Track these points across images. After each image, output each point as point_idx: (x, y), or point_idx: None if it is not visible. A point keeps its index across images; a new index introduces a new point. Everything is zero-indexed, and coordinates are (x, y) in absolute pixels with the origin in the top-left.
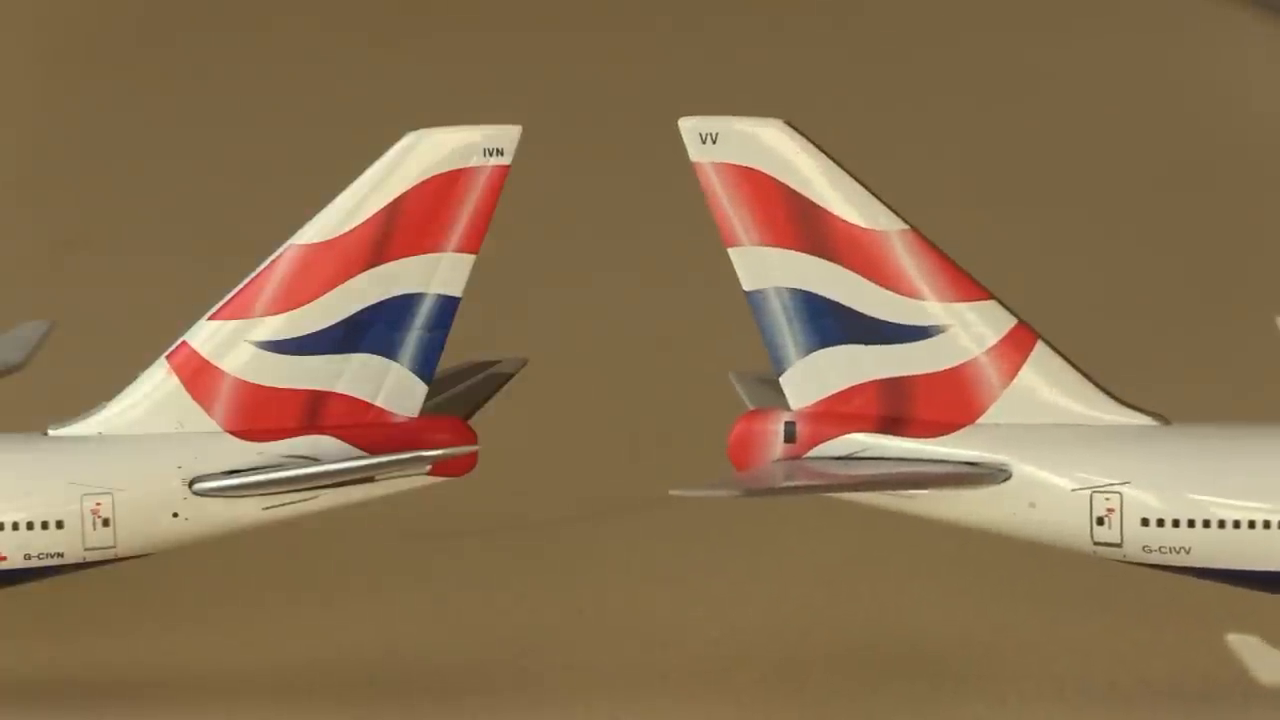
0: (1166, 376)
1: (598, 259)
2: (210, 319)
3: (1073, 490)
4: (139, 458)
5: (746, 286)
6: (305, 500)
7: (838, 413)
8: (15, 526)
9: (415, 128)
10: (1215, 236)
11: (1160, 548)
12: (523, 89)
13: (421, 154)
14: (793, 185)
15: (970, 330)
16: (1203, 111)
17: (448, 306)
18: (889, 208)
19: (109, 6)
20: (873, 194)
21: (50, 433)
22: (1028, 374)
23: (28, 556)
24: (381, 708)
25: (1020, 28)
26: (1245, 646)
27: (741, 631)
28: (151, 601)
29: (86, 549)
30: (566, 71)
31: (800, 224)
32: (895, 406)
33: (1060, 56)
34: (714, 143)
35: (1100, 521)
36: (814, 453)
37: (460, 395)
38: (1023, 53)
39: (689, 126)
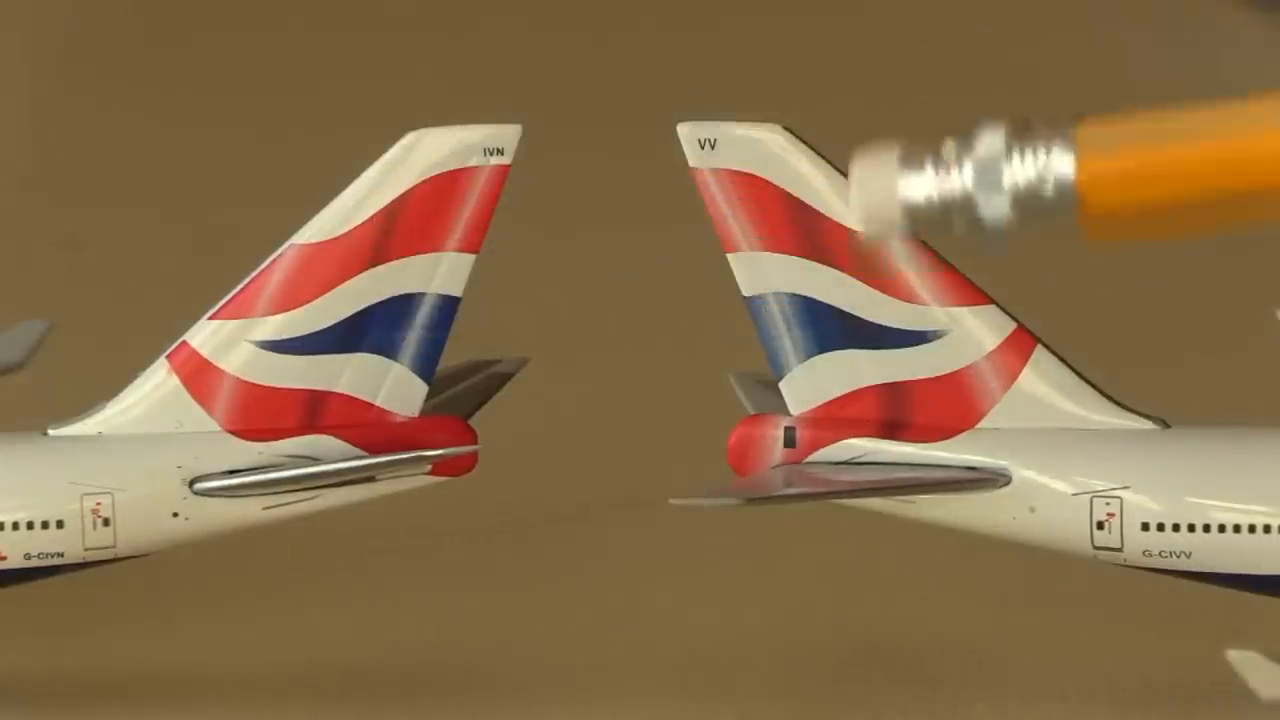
0: (1166, 377)
1: (598, 259)
2: (210, 318)
3: (1073, 495)
4: (139, 457)
5: (745, 292)
6: (306, 500)
7: (837, 418)
8: (15, 526)
9: (415, 128)
10: (1215, 236)
11: (1161, 552)
12: (523, 89)
13: (422, 153)
14: (792, 190)
15: (970, 335)
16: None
17: (448, 306)
18: None
19: (109, 6)
20: None
21: (50, 432)
22: (1027, 378)
23: (28, 556)
24: (381, 708)
25: (1019, 28)
26: (1245, 657)
27: (742, 632)
28: (151, 601)
29: (86, 549)
30: (566, 71)
31: (799, 229)
32: (895, 411)
33: (1059, 56)
34: (712, 148)
35: (1100, 526)
36: (813, 458)
37: (460, 395)
38: (1021, 52)
39: (687, 132)
